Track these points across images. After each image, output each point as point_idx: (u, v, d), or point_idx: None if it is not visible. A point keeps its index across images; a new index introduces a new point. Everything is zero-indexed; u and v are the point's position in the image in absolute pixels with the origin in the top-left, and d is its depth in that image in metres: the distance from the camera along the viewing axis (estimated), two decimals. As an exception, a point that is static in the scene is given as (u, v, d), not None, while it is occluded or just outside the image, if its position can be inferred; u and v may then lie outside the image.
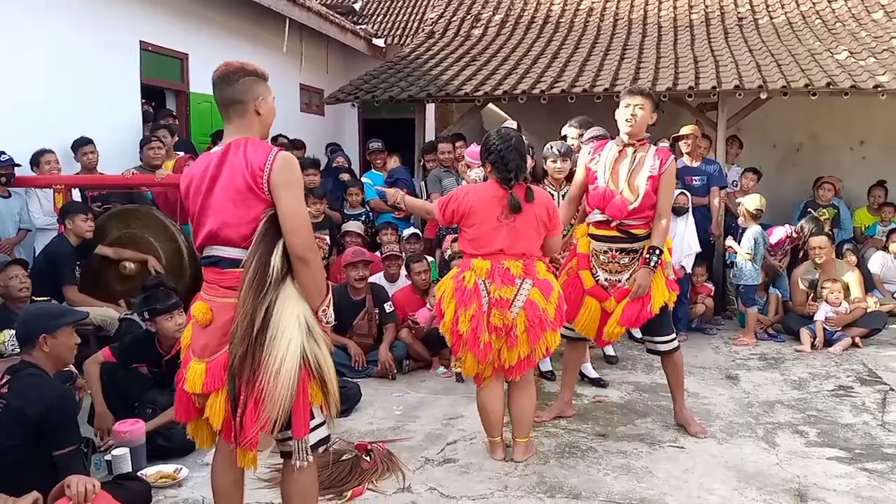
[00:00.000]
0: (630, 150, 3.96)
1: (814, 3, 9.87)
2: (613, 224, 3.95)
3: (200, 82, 8.20)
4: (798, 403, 4.42)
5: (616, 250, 3.98)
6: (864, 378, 5.22)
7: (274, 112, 2.61)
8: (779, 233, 6.81)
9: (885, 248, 7.28)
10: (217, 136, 7.77)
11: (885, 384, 5.05)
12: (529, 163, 4.51)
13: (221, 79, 2.53)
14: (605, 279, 4.01)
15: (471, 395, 4.76)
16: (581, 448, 3.90)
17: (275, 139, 8.10)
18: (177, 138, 7.11)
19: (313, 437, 2.53)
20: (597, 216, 4.01)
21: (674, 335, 4.16)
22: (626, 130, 3.95)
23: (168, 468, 3.61)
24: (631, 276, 3.93)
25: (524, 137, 3.94)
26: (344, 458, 3.60)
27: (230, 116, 2.53)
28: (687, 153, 6.90)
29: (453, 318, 3.57)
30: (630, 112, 3.93)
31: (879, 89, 7.03)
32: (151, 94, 7.85)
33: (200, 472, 3.64)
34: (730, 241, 6.58)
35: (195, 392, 2.47)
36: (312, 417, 2.50)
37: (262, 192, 2.39)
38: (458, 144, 7.44)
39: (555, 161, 4.90)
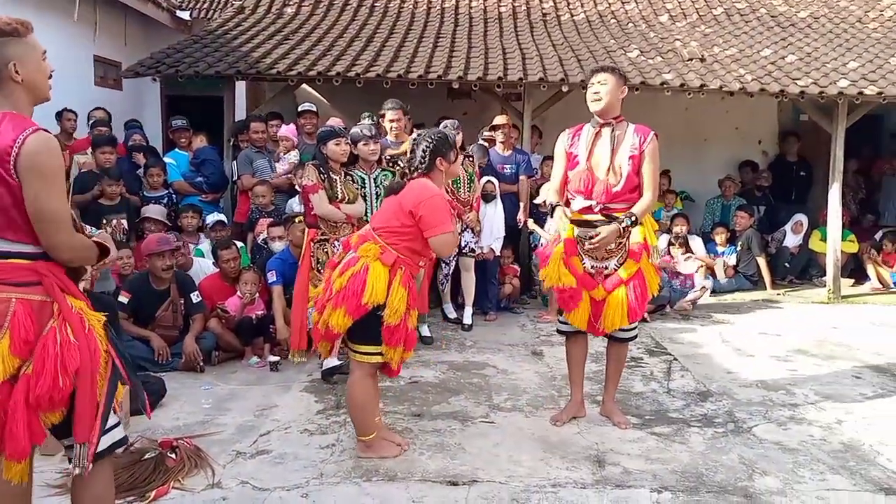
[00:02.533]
0: (607, 129, 3.82)
1: (609, 4, 10.59)
2: (597, 209, 3.79)
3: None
4: (595, 375, 4.75)
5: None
6: (652, 350, 5.72)
7: (43, 73, 2.25)
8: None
9: (669, 231, 8.00)
10: None
11: (670, 355, 5.57)
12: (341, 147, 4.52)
13: None
14: (592, 266, 3.86)
15: (285, 385, 4.68)
16: (397, 429, 3.94)
17: (59, 114, 7.41)
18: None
19: (106, 440, 2.30)
20: (580, 202, 3.85)
21: (637, 324, 4.07)
22: (595, 110, 3.81)
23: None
24: (618, 261, 3.83)
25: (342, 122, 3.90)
26: (147, 456, 3.37)
27: None
28: (501, 142, 7.17)
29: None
30: (593, 91, 3.80)
31: (665, 86, 7.68)
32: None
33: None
34: (532, 224, 6.94)
35: None
36: (105, 418, 2.27)
37: (11, 177, 2.09)
38: (273, 123, 7.23)
39: (366, 143, 4.90)
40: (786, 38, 9.42)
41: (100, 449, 2.26)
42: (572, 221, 3.90)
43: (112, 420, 2.33)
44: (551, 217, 4.05)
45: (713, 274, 8.14)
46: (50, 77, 2.32)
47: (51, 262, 2.22)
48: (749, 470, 3.54)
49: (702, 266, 7.62)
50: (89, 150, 7.08)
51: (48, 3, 8.53)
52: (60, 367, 2.14)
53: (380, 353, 3.50)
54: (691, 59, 8.37)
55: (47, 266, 2.21)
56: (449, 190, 6.06)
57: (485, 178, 6.61)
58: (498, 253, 6.66)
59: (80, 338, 2.20)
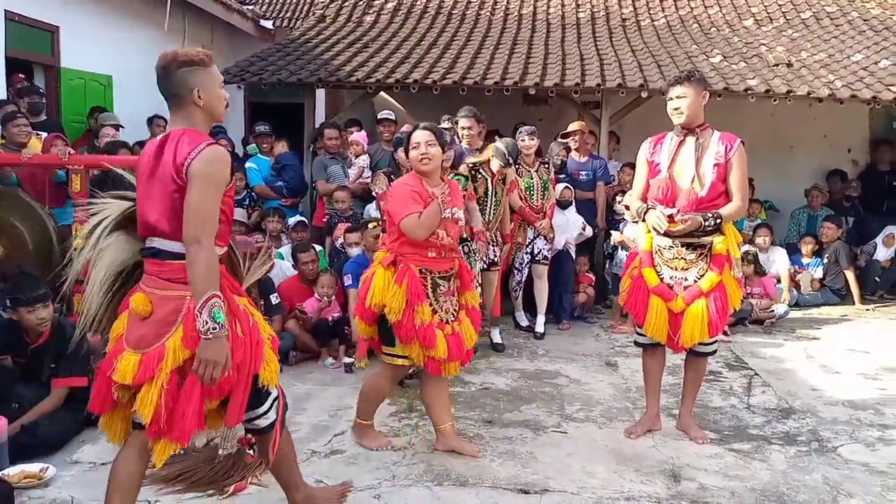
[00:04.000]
0: (691, 138, 3.75)
1: (691, 8, 10.38)
2: (678, 218, 3.69)
3: (73, 58, 7.69)
4: (672, 388, 4.64)
5: (681, 245, 3.74)
6: (732, 364, 5.55)
7: (220, 98, 2.56)
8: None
9: (752, 242, 7.76)
10: (96, 112, 7.34)
11: (751, 369, 5.39)
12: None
13: (158, 72, 2.49)
14: (671, 277, 3.77)
15: (359, 386, 4.73)
16: (468, 435, 3.95)
17: (150, 120, 7.74)
18: (44, 117, 6.65)
19: (264, 421, 2.65)
20: (662, 211, 3.74)
21: (716, 338, 3.97)
22: (678, 122, 3.75)
23: (32, 468, 3.37)
24: (698, 273, 3.72)
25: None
26: (226, 452, 3.48)
27: (171, 108, 2.52)
28: (575, 149, 7.11)
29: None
30: (674, 106, 3.74)
31: (749, 92, 7.47)
32: (22, 69, 7.29)
33: (69, 470, 3.44)
34: (616, 235, 6.80)
35: (123, 383, 2.41)
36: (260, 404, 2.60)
37: (185, 183, 2.36)
38: (351, 130, 7.39)
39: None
40: (879, 43, 9.03)
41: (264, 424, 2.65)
42: (651, 231, 3.84)
43: (273, 394, 2.67)
44: (638, 222, 3.99)
45: (798, 287, 7.85)
46: (226, 105, 2.61)
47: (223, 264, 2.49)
48: (834, 491, 3.39)
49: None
50: None
51: (140, 15, 8.94)
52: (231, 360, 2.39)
53: (403, 357, 3.58)
54: (777, 65, 8.11)
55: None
56: (522, 197, 6.05)
57: (561, 185, 6.56)
58: (573, 256, 6.60)
59: (246, 332, 2.48)
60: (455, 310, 3.66)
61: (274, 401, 2.69)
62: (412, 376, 4.67)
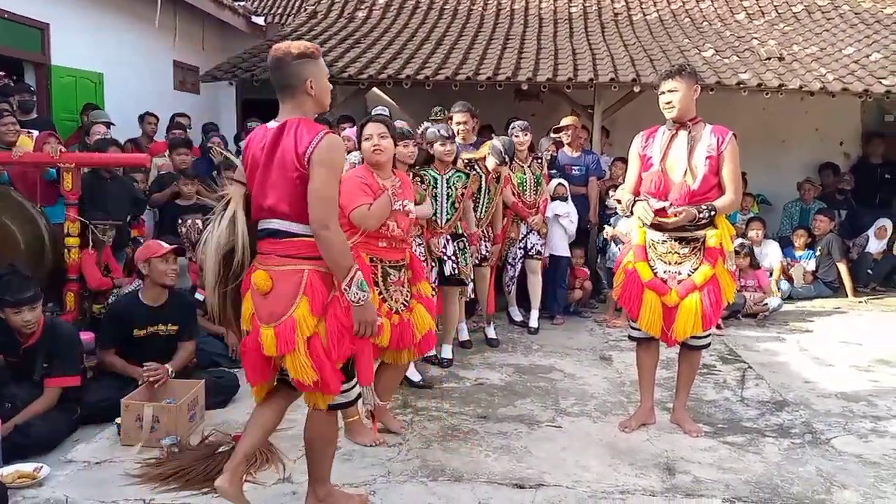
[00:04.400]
0: (683, 131, 3.75)
1: (683, 3, 10.39)
2: (671, 210, 3.68)
3: (64, 55, 7.65)
4: (666, 382, 4.65)
5: (675, 239, 3.75)
6: (726, 357, 5.57)
7: (328, 89, 2.75)
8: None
9: (744, 236, 7.78)
10: (89, 108, 7.30)
11: (745, 362, 5.41)
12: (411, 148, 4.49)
13: (272, 65, 2.69)
14: (665, 271, 3.78)
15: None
16: (463, 430, 3.95)
17: (141, 118, 7.73)
18: (35, 115, 6.62)
19: (352, 394, 2.89)
20: (653, 203, 3.74)
21: (710, 332, 3.98)
22: (670, 117, 3.76)
23: (27, 467, 3.35)
24: (692, 267, 3.73)
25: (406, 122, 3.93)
26: (221, 449, 3.47)
27: (283, 98, 2.70)
28: (568, 144, 7.11)
29: None
30: (665, 100, 3.74)
31: (741, 86, 7.49)
32: (11, 67, 7.25)
33: (63, 469, 3.42)
34: (608, 230, 6.81)
35: (271, 354, 2.66)
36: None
37: (306, 169, 2.55)
38: (343, 126, 7.37)
39: (443, 144, 4.92)
40: (870, 36, 9.06)
41: (344, 401, 2.86)
42: (645, 225, 3.84)
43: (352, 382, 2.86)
44: (629, 216, 3.99)
45: (790, 280, 7.88)
46: (332, 96, 2.76)
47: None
48: (827, 483, 3.41)
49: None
50: (166, 153, 7.35)
51: (131, 11, 8.90)
52: (346, 327, 2.67)
53: None
54: (769, 59, 8.13)
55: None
56: (515, 193, 6.04)
57: (555, 181, 6.56)
58: (568, 253, 6.60)
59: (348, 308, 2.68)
60: (406, 300, 3.72)
61: (356, 381, 2.91)
62: (420, 387, 4.67)
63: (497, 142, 5.62)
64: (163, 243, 4.44)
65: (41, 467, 3.36)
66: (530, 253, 6.21)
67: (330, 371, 2.66)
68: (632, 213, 3.84)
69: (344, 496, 3.09)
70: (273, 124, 2.67)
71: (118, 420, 3.76)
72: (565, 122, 7.17)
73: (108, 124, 6.84)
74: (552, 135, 7.23)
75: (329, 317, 2.66)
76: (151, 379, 3.96)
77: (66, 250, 5.17)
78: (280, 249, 2.64)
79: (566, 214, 6.46)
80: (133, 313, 4.26)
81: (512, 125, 6.15)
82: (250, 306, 2.72)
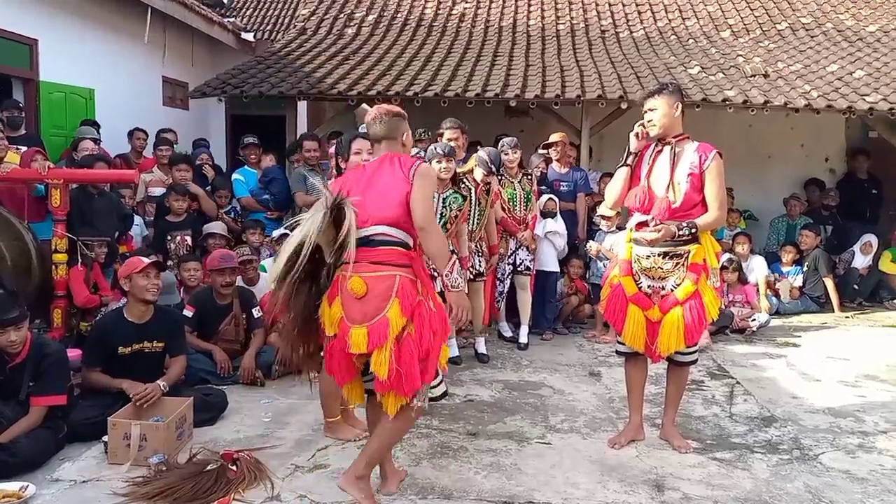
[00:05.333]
0: (668, 147, 3.79)
1: (669, 20, 10.49)
2: (652, 227, 3.72)
3: (52, 71, 7.65)
4: (654, 398, 4.66)
5: (659, 254, 3.77)
6: (714, 373, 5.59)
7: (412, 140, 3.42)
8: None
9: (731, 251, 7.84)
10: (91, 124, 7.31)
11: (733, 378, 5.43)
12: None
13: (373, 120, 3.23)
14: (649, 286, 3.81)
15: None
16: (452, 447, 3.94)
17: (130, 133, 7.74)
18: (23, 131, 6.60)
19: (438, 391, 3.23)
20: (637, 217, 3.82)
21: (696, 348, 4.01)
22: (653, 135, 3.81)
23: (12, 486, 3.31)
24: (675, 282, 3.76)
25: None
26: (209, 467, 3.45)
27: (381, 142, 3.24)
28: (556, 160, 7.15)
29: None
30: (647, 118, 3.80)
31: (726, 103, 7.56)
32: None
33: (49, 488, 3.39)
34: (593, 245, 6.84)
35: (360, 353, 2.96)
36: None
37: (410, 184, 3.05)
38: (332, 142, 7.38)
39: (440, 161, 4.94)
40: (853, 53, 9.18)
41: (434, 395, 3.18)
42: (631, 241, 3.88)
43: (438, 378, 3.17)
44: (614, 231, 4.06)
45: (777, 295, 7.93)
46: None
47: (418, 251, 3.12)
48: (815, 499, 3.42)
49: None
50: (154, 168, 7.35)
51: (120, 28, 8.91)
52: (430, 329, 3.00)
53: None
54: (754, 76, 8.22)
55: (417, 254, 3.11)
56: (505, 208, 6.07)
57: (545, 196, 6.59)
58: (557, 269, 6.63)
59: (438, 308, 3.08)
60: None
61: (442, 377, 3.23)
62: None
63: (483, 153, 5.66)
64: (143, 258, 4.41)
65: (27, 486, 3.32)
66: (519, 269, 6.22)
67: (414, 367, 2.95)
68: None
69: (392, 470, 3.45)
70: (373, 161, 3.25)
71: (105, 438, 3.74)
72: (554, 138, 7.21)
73: (96, 140, 6.83)
74: (541, 150, 7.27)
75: (416, 317, 2.99)
76: (143, 401, 3.95)
77: (53, 266, 5.14)
78: (373, 257, 3.00)
79: (555, 232, 6.50)
80: (117, 331, 4.22)
81: (501, 142, 6.18)
82: (339, 311, 3.00)
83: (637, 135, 3.84)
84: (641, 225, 3.80)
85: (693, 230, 3.70)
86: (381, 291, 2.96)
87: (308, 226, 2.92)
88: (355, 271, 2.98)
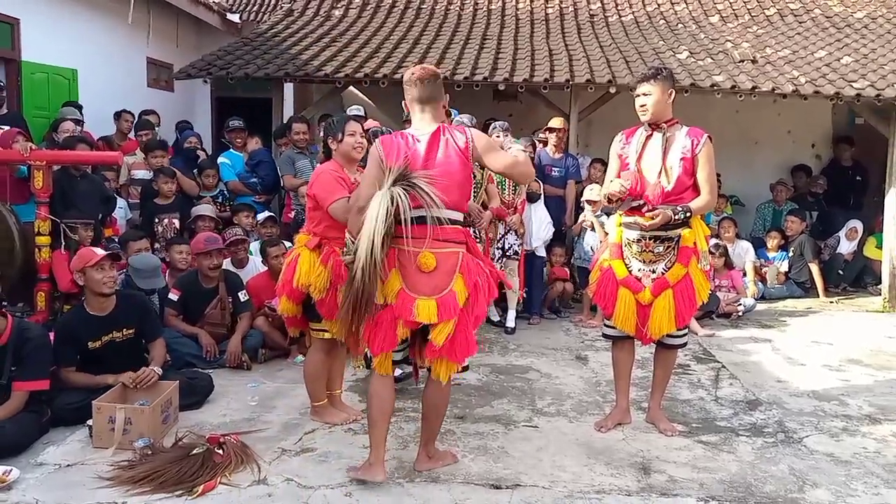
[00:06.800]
0: (658, 133, 3.80)
1: (658, 5, 10.45)
2: (646, 210, 3.73)
3: (35, 50, 7.53)
4: (641, 381, 4.68)
5: (650, 238, 3.77)
6: (700, 356, 5.62)
7: (446, 104, 3.64)
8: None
9: (717, 236, 7.86)
10: (74, 105, 7.20)
11: (718, 362, 5.47)
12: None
13: (419, 81, 3.24)
14: (639, 269, 3.82)
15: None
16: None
17: (118, 115, 7.64)
18: (5, 110, 6.50)
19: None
20: (629, 203, 3.80)
21: (686, 331, 4.04)
22: (644, 120, 3.81)
23: (-6, 471, 3.29)
24: (666, 265, 3.77)
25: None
26: (195, 451, 3.43)
27: (424, 107, 3.27)
28: (554, 145, 7.13)
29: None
30: (640, 103, 3.79)
31: (715, 88, 7.55)
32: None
33: (33, 472, 3.36)
34: (588, 211, 6.75)
35: (429, 322, 3.12)
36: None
37: (470, 161, 3.21)
38: (322, 124, 7.35)
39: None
40: (841, 40, 9.18)
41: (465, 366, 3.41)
42: (622, 224, 3.88)
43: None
44: (608, 216, 4.08)
45: (763, 280, 7.97)
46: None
47: (467, 229, 3.36)
48: (800, 481, 3.45)
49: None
50: (137, 151, 7.28)
51: (104, 7, 8.78)
52: (483, 303, 3.22)
53: (326, 330, 3.84)
54: (743, 61, 8.21)
55: (468, 231, 3.34)
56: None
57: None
58: (542, 254, 6.61)
59: (486, 281, 3.25)
60: None
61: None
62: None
63: (464, 117, 5.72)
64: (97, 250, 4.20)
65: (10, 470, 3.29)
66: (508, 253, 6.22)
67: (471, 336, 3.23)
68: (609, 201, 3.84)
69: (446, 453, 3.57)
70: (424, 133, 3.21)
71: (90, 422, 3.71)
72: (555, 123, 7.18)
73: (78, 121, 6.74)
74: (540, 134, 7.24)
75: (474, 291, 3.18)
76: (140, 383, 3.92)
77: (36, 249, 5.08)
78: (437, 234, 3.12)
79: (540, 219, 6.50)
80: (82, 327, 4.08)
81: (493, 126, 6.16)
82: (398, 282, 3.14)
83: (619, 191, 3.78)
84: (633, 210, 3.79)
85: (688, 214, 3.72)
86: (449, 267, 3.15)
87: (383, 203, 3.01)
88: (427, 247, 3.13)
